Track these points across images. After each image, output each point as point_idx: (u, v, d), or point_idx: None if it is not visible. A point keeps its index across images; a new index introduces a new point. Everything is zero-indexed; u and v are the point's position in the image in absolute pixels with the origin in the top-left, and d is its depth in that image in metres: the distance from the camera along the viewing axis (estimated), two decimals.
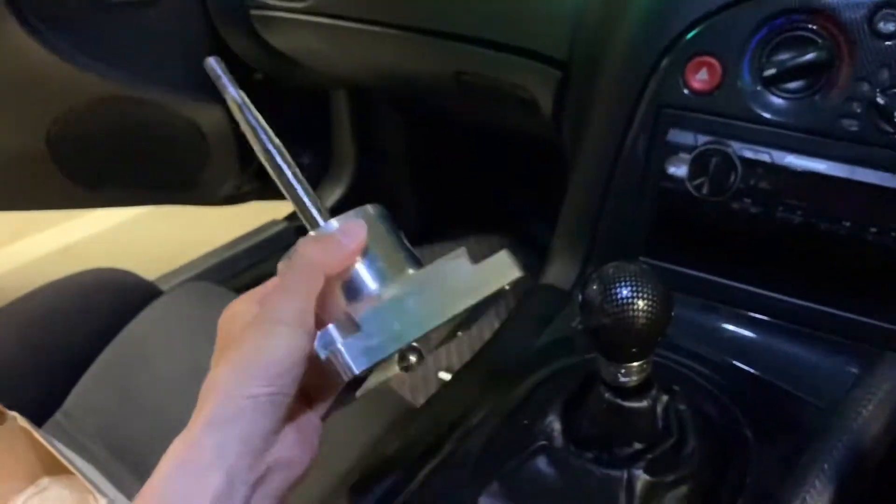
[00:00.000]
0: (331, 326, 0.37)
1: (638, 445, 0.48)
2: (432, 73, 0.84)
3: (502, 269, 0.42)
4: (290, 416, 0.38)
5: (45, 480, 0.70)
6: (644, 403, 0.47)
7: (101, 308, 0.88)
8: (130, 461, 0.78)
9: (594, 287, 0.45)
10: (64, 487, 0.68)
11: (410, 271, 0.41)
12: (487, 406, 0.57)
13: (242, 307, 0.40)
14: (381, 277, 0.40)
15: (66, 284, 0.88)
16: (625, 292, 0.44)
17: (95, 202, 1.29)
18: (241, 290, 1.01)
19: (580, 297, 0.46)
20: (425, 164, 1.31)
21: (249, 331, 0.36)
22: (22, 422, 0.71)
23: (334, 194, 1.28)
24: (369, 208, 0.42)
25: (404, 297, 0.38)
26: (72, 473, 0.71)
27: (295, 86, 1.19)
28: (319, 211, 0.41)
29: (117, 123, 1.16)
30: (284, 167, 0.42)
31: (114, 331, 0.87)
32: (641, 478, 0.47)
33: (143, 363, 0.84)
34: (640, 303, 0.43)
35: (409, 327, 0.38)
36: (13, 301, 0.87)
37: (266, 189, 1.38)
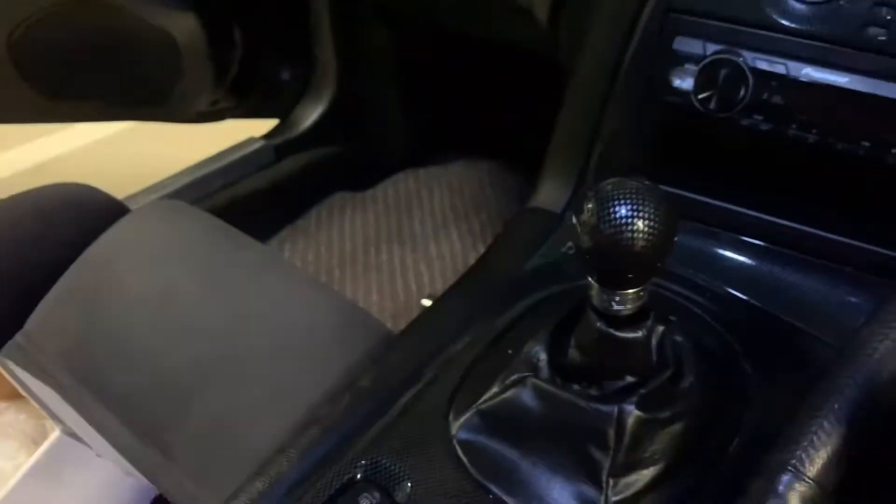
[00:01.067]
0: None
1: (629, 379, 0.45)
2: None
3: None
4: None
5: (1, 404, 0.66)
6: (638, 334, 0.43)
7: (64, 225, 0.83)
8: (95, 386, 0.74)
9: (589, 205, 0.40)
10: (21, 412, 0.64)
11: None
12: (469, 334, 0.54)
13: None
14: None
15: (24, 199, 0.83)
16: (623, 211, 0.39)
17: (61, 116, 1.22)
18: (215, 210, 0.96)
19: (573, 216, 0.41)
20: (413, 81, 1.24)
21: None
22: None
23: (315, 113, 1.21)
24: None
25: None
26: (23, 399, 0.68)
27: None
28: None
29: (85, 30, 1.09)
30: None
31: (77, 249, 0.82)
32: (633, 413, 0.43)
33: (109, 284, 0.79)
34: (640, 223, 0.39)
35: None
36: None
37: (242, 106, 1.31)
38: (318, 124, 1.20)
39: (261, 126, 1.33)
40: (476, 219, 1.17)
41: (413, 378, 0.51)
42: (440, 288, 1.09)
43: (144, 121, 1.24)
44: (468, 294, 0.58)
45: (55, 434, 0.59)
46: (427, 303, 1.01)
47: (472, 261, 1.12)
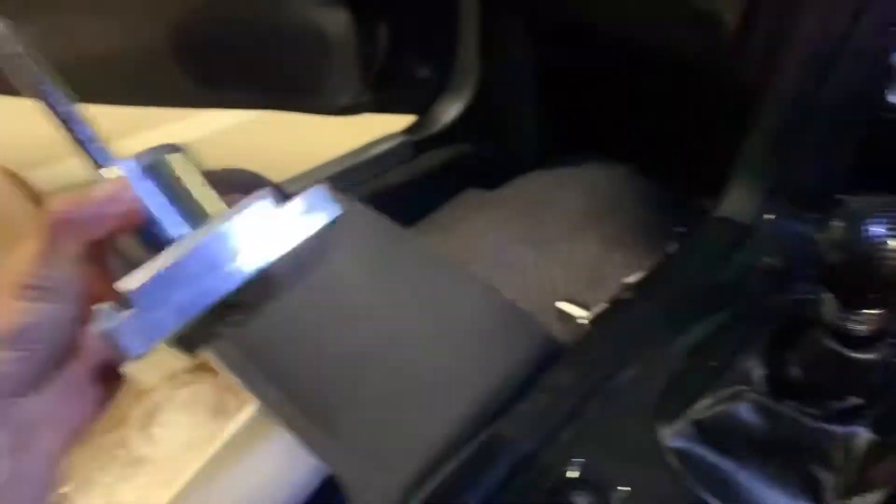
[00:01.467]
0: (103, 306, 0.32)
1: (855, 400, 0.44)
2: None
3: (317, 208, 0.34)
4: (52, 368, 0.32)
5: (185, 377, 0.69)
6: (873, 355, 0.42)
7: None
8: (263, 363, 0.77)
9: (838, 221, 0.39)
10: (205, 385, 0.68)
11: (201, 225, 0.35)
12: (661, 343, 0.53)
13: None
14: (166, 233, 0.34)
15: None
16: (878, 230, 0.38)
17: (212, 102, 1.27)
18: (360, 201, 0.97)
19: (818, 231, 0.40)
20: (552, 82, 1.24)
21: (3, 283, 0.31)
22: None
23: (454, 110, 1.23)
24: (164, 151, 0.35)
25: (190, 257, 0.32)
26: (208, 372, 0.71)
27: None
28: (99, 150, 0.35)
29: (242, 21, 1.13)
30: (52, 95, 0.35)
31: None
32: (864, 436, 0.42)
33: None
34: (894, 243, 0.38)
35: (198, 295, 0.32)
36: None
37: (381, 101, 1.33)
38: (456, 122, 1.21)
39: (384, 122, 1.35)
40: (611, 223, 1.16)
41: (611, 379, 0.51)
42: (574, 291, 1.08)
43: (289, 111, 1.28)
44: (654, 300, 0.58)
45: (251, 407, 0.62)
46: (563, 306, 1.01)
47: (607, 266, 1.11)
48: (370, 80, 1.25)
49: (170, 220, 0.34)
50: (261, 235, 0.33)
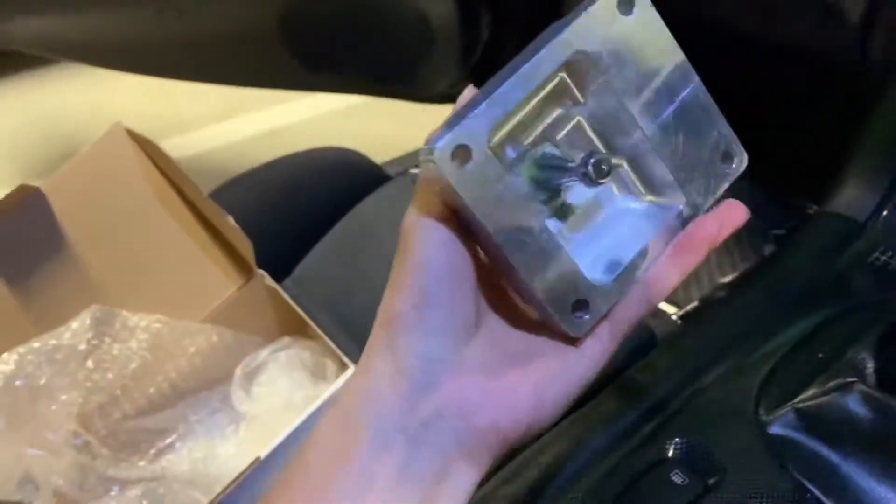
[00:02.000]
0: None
1: None
2: None
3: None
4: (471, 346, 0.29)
5: (285, 339, 0.72)
6: None
7: (337, 184, 0.90)
8: (355, 332, 0.79)
9: None
10: (304, 349, 0.70)
11: None
12: (767, 333, 0.53)
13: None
14: None
15: (308, 157, 0.90)
16: None
17: (315, 85, 1.31)
18: None
19: None
20: None
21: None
22: (269, 281, 0.73)
23: None
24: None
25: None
26: (307, 337, 0.74)
27: None
28: None
29: (349, 7, 1.16)
30: None
31: (345, 208, 0.88)
32: None
33: (372, 241, 0.85)
34: None
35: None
36: (257, 167, 0.89)
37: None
38: None
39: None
40: None
41: (713, 365, 0.51)
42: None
43: (388, 97, 1.30)
44: (756, 295, 0.57)
45: (350, 370, 0.64)
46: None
47: (701, 265, 1.09)
48: (470, 68, 1.26)
49: None
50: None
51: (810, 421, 0.45)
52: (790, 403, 0.46)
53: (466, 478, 0.29)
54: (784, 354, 0.50)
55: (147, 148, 0.70)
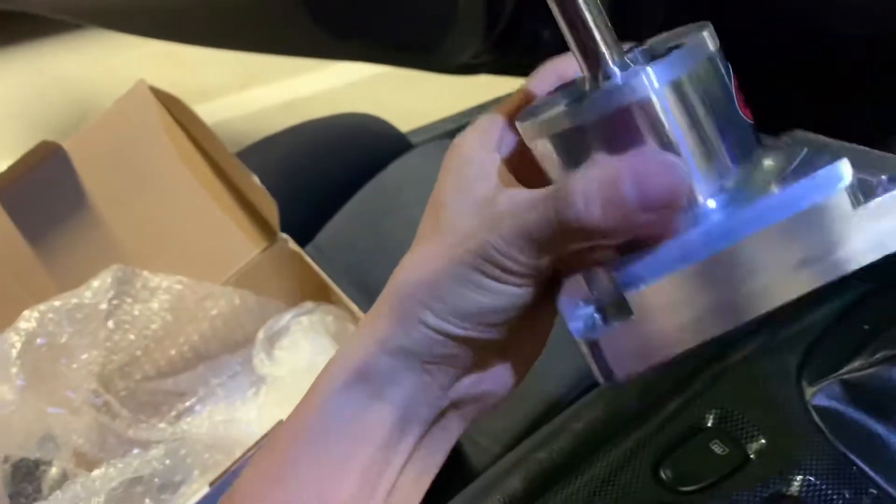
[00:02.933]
0: (585, 299, 0.24)
1: None
2: None
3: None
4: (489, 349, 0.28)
5: (308, 304, 0.71)
6: None
7: (359, 151, 0.88)
8: (376, 300, 0.78)
9: None
10: (326, 313, 0.69)
11: (740, 193, 0.23)
12: (806, 301, 0.51)
13: (474, 153, 0.28)
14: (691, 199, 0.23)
15: (331, 123, 0.89)
16: None
17: (337, 53, 1.29)
18: None
19: None
20: None
21: (462, 255, 0.26)
22: (292, 245, 0.72)
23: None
24: (707, 41, 0.24)
25: (726, 253, 0.22)
26: (329, 302, 0.73)
27: None
28: (609, 47, 0.24)
29: None
30: None
31: (368, 174, 0.86)
32: None
33: (394, 210, 0.83)
34: None
35: (719, 314, 0.23)
36: (280, 131, 0.88)
37: (500, 62, 1.32)
38: None
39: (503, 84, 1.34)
40: None
41: (751, 335, 0.49)
42: None
43: (408, 67, 1.28)
44: None
45: None
46: None
47: None
48: (493, 40, 1.24)
49: (713, 167, 0.23)
50: (827, 233, 0.22)
51: (855, 392, 0.43)
52: (834, 374, 0.45)
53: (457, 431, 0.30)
54: (827, 326, 0.48)
55: (172, 105, 0.69)
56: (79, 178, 0.69)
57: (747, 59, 0.31)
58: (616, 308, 0.23)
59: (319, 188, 0.86)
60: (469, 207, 0.27)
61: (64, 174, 0.69)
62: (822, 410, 0.44)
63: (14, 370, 0.62)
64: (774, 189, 0.23)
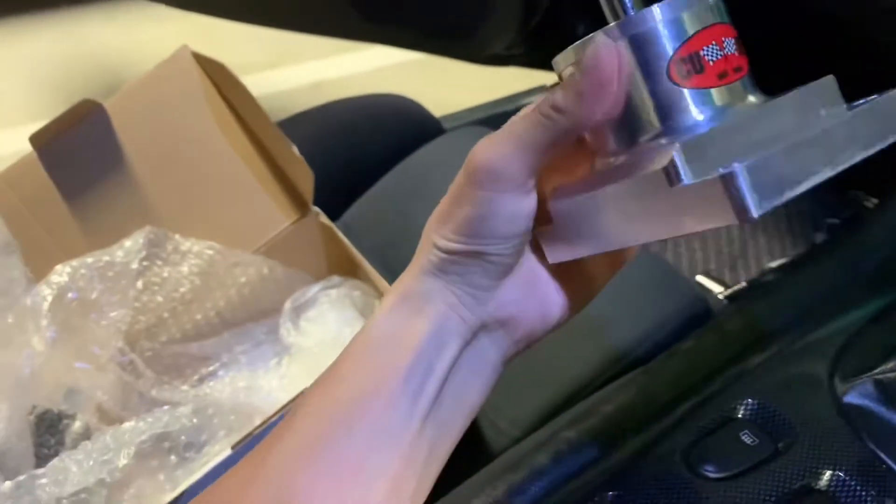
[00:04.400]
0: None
1: None
2: None
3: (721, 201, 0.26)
4: (515, 270, 0.33)
5: (335, 278, 0.71)
6: None
7: (391, 132, 0.89)
8: None
9: None
10: (355, 289, 0.70)
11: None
12: (841, 302, 0.51)
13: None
14: (624, 139, 0.31)
15: (366, 102, 0.89)
16: None
17: (371, 36, 1.29)
18: None
19: None
20: None
21: (469, 185, 0.31)
22: (324, 218, 0.72)
23: None
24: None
25: (619, 200, 0.29)
26: (356, 277, 0.73)
27: None
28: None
29: None
30: None
31: (398, 157, 0.87)
32: None
33: (423, 193, 0.84)
34: None
35: (611, 237, 0.30)
36: (314, 107, 0.88)
37: (532, 54, 1.32)
38: None
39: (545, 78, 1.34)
40: None
41: (785, 331, 0.49)
42: (715, 267, 1.05)
43: (440, 54, 1.28)
44: (838, 262, 0.55)
45: None
46: (702, 279, 0.99)
47: (750, 249, 1.07)
48: (528, 32, 1.24)
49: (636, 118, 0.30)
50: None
51: (889, 392, 0.43)
52: (868, 374, 0.45)
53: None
54: (860, 328, 0.48)
55: (215, 72, 0.70)
56: (117, 138, 0.70)
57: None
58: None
59: (350, 166, 0.87)
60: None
61: (103, 134, 0.69)
62: (853, 408, 0.44)
63: (45, 322, 0.62)
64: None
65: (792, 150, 0.27)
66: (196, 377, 0.70)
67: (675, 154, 0.27)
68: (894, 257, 0.55)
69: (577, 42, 0.31)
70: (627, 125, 0.31)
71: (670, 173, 0.27)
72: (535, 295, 0.34)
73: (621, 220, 0.30)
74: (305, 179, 0.67)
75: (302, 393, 0.60)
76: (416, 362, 0.31)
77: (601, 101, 0.29)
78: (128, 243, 0.67)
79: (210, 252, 0.69)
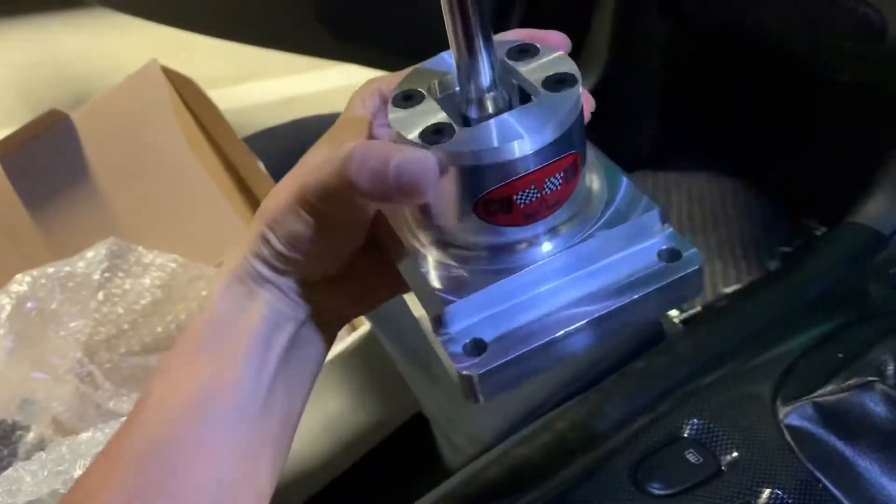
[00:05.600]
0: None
1: None
2: None
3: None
4: (345, 262, 0.34)
5: None
6: None
7: None
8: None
9: None
10: None
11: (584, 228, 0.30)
12: (786, 328, 0.53)
13: (355, 108, 0.36)
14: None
15: (334, 120, 0.90)
16: None
17: (339, 54, 1.31)
18: None
19: None
20: (676, 81, 1.23)
21: (295, 180, 0.32)
22: None
23: None
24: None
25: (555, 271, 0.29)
26: None
27: None
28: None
29: None
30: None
31: None
32: None
33: None
34: None
35: (549, 323, 0.28)
36: (282, 124, 0.90)
37: None
38: None
39: None
40: (714, 233, 1.14)
41: (732, 355, 0.51)
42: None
43: None
44: (784, 289, 0.58)
45: (361, 329, 0.64)
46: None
47: (706, 274, 1.10)
48: None
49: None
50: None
51: (827, 415, 0.45)
52: (808, 397, 0.47)
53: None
54: (804, 352, 0.51)
55: (183, 86, 0.70)
56: (84, 149, 0.70)
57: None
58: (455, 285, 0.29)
59: None
60: (322, 150, 0.34)
61: (69, 144, 0.69)
62: (793, 430, 0.46)
63: (2, 332, 0.62)
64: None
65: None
66: None
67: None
68: (837, 285, 0.57)
69: (404, 113, 0.30)
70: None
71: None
72: (362, 286, 0.36)
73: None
74: None
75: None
76: (256, 344, 0.33)
77: (397, 201, 0.29)
78: (90, 254, 0.67)
79: (172, 265, 0.69)
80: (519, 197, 0.28)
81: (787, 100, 1.10)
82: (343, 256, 0.33)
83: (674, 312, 0.96)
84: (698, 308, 0.94)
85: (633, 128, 1.26)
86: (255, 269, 0.33)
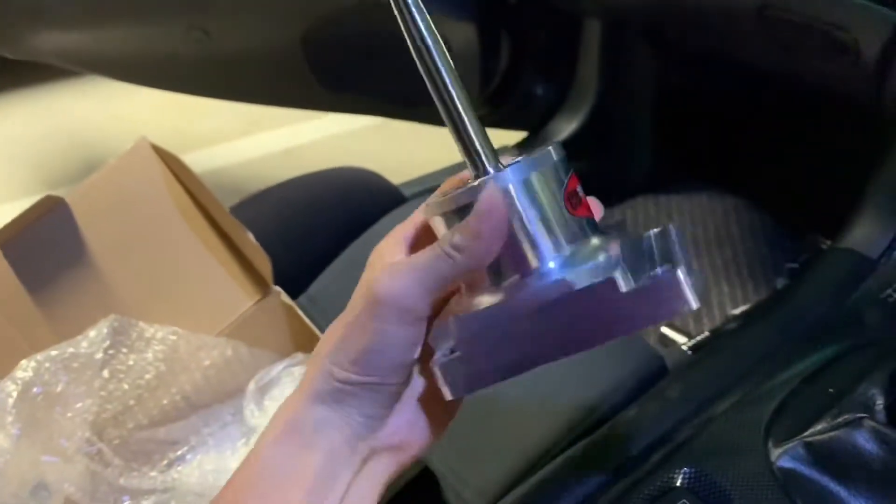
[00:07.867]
0: (446, 324, 0.31)
1: None
2: (731, 5, 0.78)
3: (670, 298, 0.30)
4: (403, 399, 0.34)
5: (299, 355, 0.73)
6: None
7: (353, 205, 0.91)
8: None
9: None
10: None
11: (552, 274, 0.32)
12: (775, 368, 0.53)
13: (388, 249, 0.36)
14: (517, 267, 0.32)
15: (326, 177, 0.92)
16: None
17: (335, 106, 1.33)
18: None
19: None
20: (669, 106, 1.24)
21: (363, 308, 0.32)
22: (285, 297, 0.74)
23: (568, 129, 1.24)
24: (552, 154, 0.33)
25: (528, 314, 0.30)
26: None
27: (549, 9, 1.16)
28: (485, 154, 0.33)
29: (370, 30, 1.18)
30: (451, 86, 0.34)
31: (362, 227, 0.89)
32: None
33: None
34: None
35: (522, 358, 0.30)
36: (275, 185, 0.91)
37: (494, 116, 1.36)
38: (568, 141, 1.22)
39: (496, 137, 1.37)
40: (719, 254, 1.14)
41: (722, 397, 0.51)
42: (678, 318, 1.07)
43: (405, 120, 1.32)
44: (773, 324, 0.58)
45: None
46: (666, 330, 1.01)
47: (713, 296, 1.09)
48: (488, 96, 1.28)
49: (540, 246, 0.32)
50: (604, 312, 0.30)
51: (819, 455, 0.45)
52: (799, 437, 0.46)
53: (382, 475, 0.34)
54: (794, 388, 0.50)
55: (171, 162, 0.72)
56: (80, 230, 0.71)
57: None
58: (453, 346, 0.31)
59: (314, 241, 0.89)
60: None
61: (65, 227, 0.71)
62: (786, 472, 0.45)
63: (10, 419, 0.63)
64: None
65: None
66: (164, 462, 0.70)
67: (680, 271, 0.29)
68: (828, 315, 0.57)
69: (456, 192, 0.32)
70: (514, 255, 0.32)
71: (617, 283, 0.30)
72: (421, 418, 0.34)
73: (541, 334, 0.30)
74: (263, 262, 0.69)
75: None
76: (308, 499, 0.31)
77: (496, 240, 0.31)
78: (92, 333, 0.69)
79: (174, 337, 0.70)
80: (579, 189, 0.34)
81: (781, 116, 1.10)
82: (411, 364, 0.33)
83: (683, 339, 0.95)
84: (707, 334, 0.94)
85: (629, 153, 1.27)
86: (312, 412, 0.32)
